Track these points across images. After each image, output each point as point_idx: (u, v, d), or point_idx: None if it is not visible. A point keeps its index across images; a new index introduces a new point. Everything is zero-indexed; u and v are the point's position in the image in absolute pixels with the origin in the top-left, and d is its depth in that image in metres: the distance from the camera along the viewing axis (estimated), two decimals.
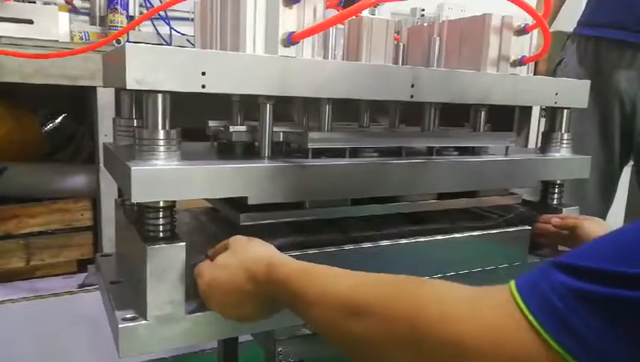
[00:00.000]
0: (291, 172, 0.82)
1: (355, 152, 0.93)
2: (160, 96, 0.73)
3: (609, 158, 1.74)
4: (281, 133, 0.93)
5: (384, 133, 1.05)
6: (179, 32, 2.37)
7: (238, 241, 0.76)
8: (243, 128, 0.92)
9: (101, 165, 1.00)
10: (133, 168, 0.70)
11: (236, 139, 0.91)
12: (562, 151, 1.13)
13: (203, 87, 0.73)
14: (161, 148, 0.74)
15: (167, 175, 0.72)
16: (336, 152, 0.91)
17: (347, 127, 1.08)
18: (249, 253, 0.72)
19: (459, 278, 0.97)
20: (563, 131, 1.13)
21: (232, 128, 0.91)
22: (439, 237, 0.99)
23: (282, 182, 0.81)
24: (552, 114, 1.14)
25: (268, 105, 0.86)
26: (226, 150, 0.94)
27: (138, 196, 0.71)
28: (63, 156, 2.26)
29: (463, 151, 1.06)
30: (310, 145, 0.87)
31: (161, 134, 0.74)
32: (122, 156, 0.78)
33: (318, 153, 0.89)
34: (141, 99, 0.75)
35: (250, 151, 0.93)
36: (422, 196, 0.99)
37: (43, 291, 1.76)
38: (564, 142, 1.13)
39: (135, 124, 0.96)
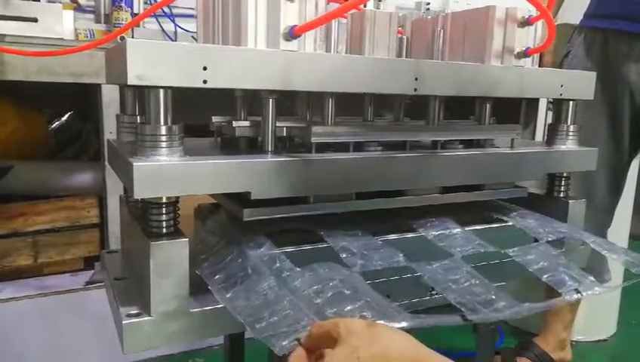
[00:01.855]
0: (295, 166, 0.82)
1: (359, 146, 0.92)
2: (161, 91, 0.72)
3: (618, 151, 1.73)
4: (285, 128, 0.92)
5: (388, 126, 1.04)
6: (183, 29, 2.37)
7: (354, 332, 0.54)
8: (246, 123, 0.92)
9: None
10: (135, 164, 0.70)
11: (239, 134, 0.91)
12: (568, 144, 1.12)
13: (204, 82, 0.73)
14: (164, 144, 0.74)
15: (169, 170, 0.72)
16: (340, 147, 0.90)
17: (351, 121, 1.07)
18: (378, 352, 0.53)
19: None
20: (569, 123, 1.12)
21: (235, 123, 0.91)
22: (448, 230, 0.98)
23: (286, 176, 0.81)
24: (558, 106, 1.13)
25: (270, 100, 0.86)
26: (230, 145, 0.94)
27: (140, 192, 0.71)
28: (70, 154, 2.27)
29: (468, 144, 1.05)
30: (314, 140, 0.86)
31: (163, 130, 0.73)
32: (125, 152, 0.78)
33: (322, 147, 0.89)
34: (143, 95, 0.75)
35: (253, 146, 0.92)
36: (427, 190, 0.99)
37: (51, 288, 1.77)
38: (571, 134, 1.12)
39: (138, 120, 0.96)
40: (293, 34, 0.78)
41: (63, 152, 2.26)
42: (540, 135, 2.23)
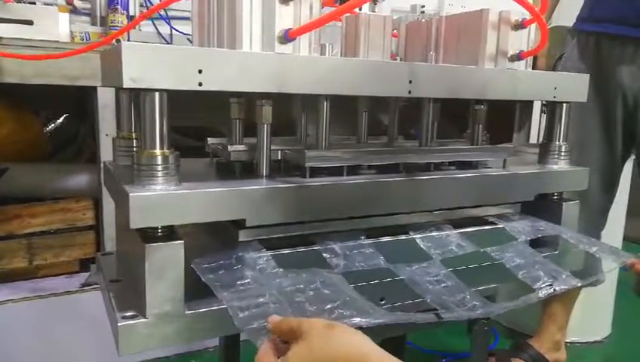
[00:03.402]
0: (289, 193, 0.83)
1: (353, 169, 0.93)
2: (157, 94, 0.73)
3: (611, 153, 1.74)
4: (279, 152, 0.93)
5: (382, 150, 1.04)
6: (180, 32, 2.37)
7: (314, 331, 0.60)
8: (241, 147, 0.93)
9: (102, 165, 1.00)
10: (131, 194, 0.70)
11: (235, 158, 0.92)
12: (560, 163, 1.12)
13: (200, 84, 0.73)
14: (160, 173, 0.74)
15: (165, 200, 0.73)
16: (334, 170, 0.91)
17: (345, 141, 1.08)
18: (331, 352, 0.58)
19: (462, 273, 0.98)
20: (561, 142, 1.12)
21: (230, 148, 0.92)
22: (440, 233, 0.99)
23: (280, 203, 0.82)
24: (551, 108, 1.14)
25: (265, 125, 0.87)
26: (225, 168, 0.95)
27: (137, 222, 0.72)
28: (65, 156, 2.26)
29: (461, 164, 1.06)
30: (308, 164, 0.87)
31: (159, 159, 0.74)
32: (121, 179, 0.79)
33: (316, 171, 0.90)
34: (139, 98, 0.75)
35: (248, 168, 0.93)
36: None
37: (46, 291, 1.77)
38: (562, 153, 1.13)
39: (134, 144, 0.97)
40: (288, 37, 0.79)
41: (58, 154, 2.26)
42: (534, 137, 2.24)
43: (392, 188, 0.92)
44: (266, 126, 0.87)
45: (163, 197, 0.73)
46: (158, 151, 0.74)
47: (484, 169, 1.07)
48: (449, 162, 1.04)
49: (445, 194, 0.97)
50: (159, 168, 0.74)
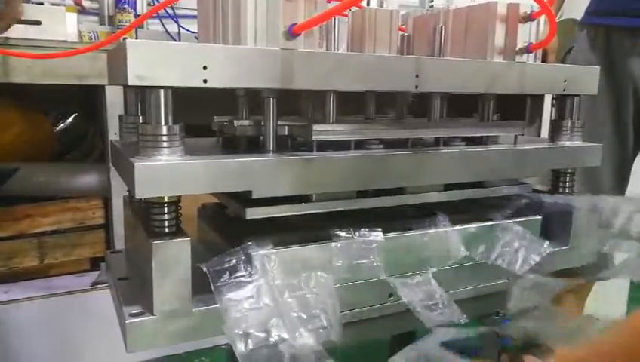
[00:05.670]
0: (295, 165, 0.82)
1: (360, 144, 0.92)
2: (162, 91, 0.73)
3: (623, 146, 1.72)
4: (286, 127, 0.92)
5: (389, 124, 1.04)
6: (187, 30, 2.38)
7: None
8: (247, 122, 0.92)
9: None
10: (136, 164, 0.70)
11: (241, 133, 0.91)
12: (573, 140, 1.11)
13: (204, 81, 0.73)
14: (165, 144, 0.74)
15: (170, 170, 0.72)
16: (341, 145, 0.90)
17: (353, 118, 1.07)
18: None
19: (473, 269, 0.97)
20: (573, 119, 1.11)
21: (236, 122, 0.91)
22: (450, 228, 0.98)
23: (286, 175, 0.81)
24: (561, 101, 1.12)
25: (271, 99, 0.86)
26: (231, 145, 0.94)
27: (142, 192, 0.71)
28: (75, 155, 2.28)
29: (471, 141, 1.04)
30: (314, 138, 0.86)
31: (164, 130, 0.73)
32: (127, 153, 0.78)
33: (323, 146, 0.89)
34: (145, 95, 0.75)
35: (255, 145, 0.92)
36: (429, 187, 0.98)
37: (57, 289, 1.78)
38: (575, 130, 1.11)
39: (140, 121, 0.97)
40: (292, 32, 0.78)
41: (68, 154, 2.27)
42: (545, 132, 2.22)
43: (400, 162, 0.91)
44: (272, 100, 0.86)
45: (168, 166, 0.72)
46: (163, 122, 0.74)
47: (494, 144, 1.06)
48: (459, 137, 1.02)
49: (455, 169, 0.96)
50: (164, 139, 0.73)
